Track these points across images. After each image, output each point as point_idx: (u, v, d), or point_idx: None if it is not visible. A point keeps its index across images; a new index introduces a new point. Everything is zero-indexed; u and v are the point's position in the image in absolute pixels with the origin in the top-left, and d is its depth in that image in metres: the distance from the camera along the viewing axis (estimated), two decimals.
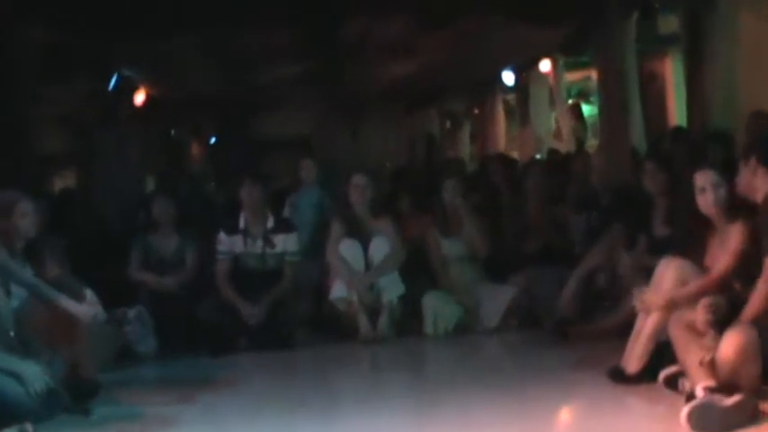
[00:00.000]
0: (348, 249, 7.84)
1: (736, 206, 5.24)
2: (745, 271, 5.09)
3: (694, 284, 5.24)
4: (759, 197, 4.94)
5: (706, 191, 5.32)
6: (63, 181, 14.71)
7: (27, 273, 5.91)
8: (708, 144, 8.02)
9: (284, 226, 8.01)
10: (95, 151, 13.15)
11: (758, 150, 5.01)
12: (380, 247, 7.86)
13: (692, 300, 5.10)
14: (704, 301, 4.78)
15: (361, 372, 7.26)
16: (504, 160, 10.84)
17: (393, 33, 12.44)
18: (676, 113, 13.77)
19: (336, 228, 8.02)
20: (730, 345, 4.49)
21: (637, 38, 12.06)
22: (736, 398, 4.43)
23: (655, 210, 6.98)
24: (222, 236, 7.87)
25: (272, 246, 7.85)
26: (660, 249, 6.21)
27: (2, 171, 8.88)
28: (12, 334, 5.52)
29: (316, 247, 8.46)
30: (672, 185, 6.88)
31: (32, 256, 6.18)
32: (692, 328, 4.82)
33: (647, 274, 5.75)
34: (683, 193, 5.81)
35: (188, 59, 13.14)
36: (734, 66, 9.13)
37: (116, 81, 13.39)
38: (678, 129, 11.03)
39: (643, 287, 5.52)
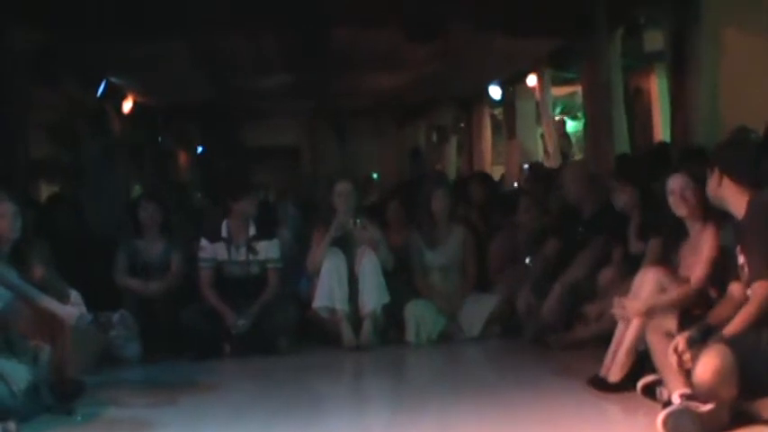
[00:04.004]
0: (331, 258, 7.86)
1: (708, 210, 5.35)
2: (719, 277, 5.18)
3: (674, 293, 5.37)
4: (730, 207, 4.97)
5: (675, 192, 5.52)
6: (51, 187, 14.69)
7: (12, 274, 5.93)
8: (685, 160, 8.07)
9: (266, 233, 8.04)
10: (83, 157, 13.17)
11: (720, 160, 5.06)
12: (366, 257, 7.87)
13: (672, 308, 5.20)
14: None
15: (343, 379, 7.29)
16: (484, 179, 10.78)
17: (381, 46, 12.50)
18: (662, 129, 13.85)
19: (319, 236, 8.05)
20: (708, 367, 4.45)
21: (623, 54, 12.11)
22: (711, 405, 4.48)
23: (630, 225, 7.05)
24: (205, 243, 7.91)
25: (255, 253, 7.90)
26: (635, 263, 6.31)
27: None
28: None
29: (299, 255, 8.49)
30: (641, 201, 6.97)
31: (18, 259, 6.20)
32: (670, 336, 4.88)
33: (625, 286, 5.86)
34: (660, 207, 5.87)
35: (176, 68, 13.17)
36: (718, 81, 9.20)
37: (104, 88, 13.42)
38: (661, 145, 11.10)
39: (622, 296, 5.61)
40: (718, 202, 5.03)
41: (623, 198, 7.02)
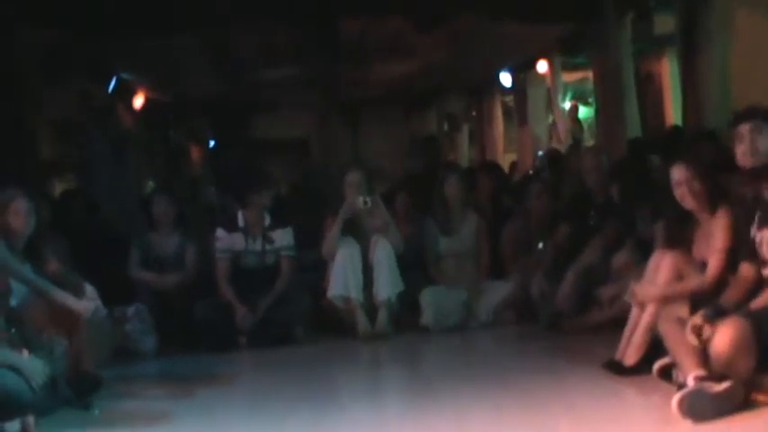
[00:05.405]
0: (345, 247, 7.85)
1: (717, 198, 5.32)
2: (733, 262, 5.17)
3: (690, 284, 5.34)
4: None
5: (681, 184, 5.45)
6: (64, 183, 14.73)
7: (27, 269, 5.96)
8: (696, 143, 8.07)
9: (280, 221, 8.09)
10: (95, 153, 13.20)
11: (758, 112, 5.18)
12: (380, 245, 7.87)
13: (688, 297, 5.20)
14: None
15: (359, 368, 7.30)
16: (491, 170, 10.75)
17: (390, 35, 12.50)
18: (673, 113, 13.81)
19: (332, 225, 8.05)
20: (725, 338, 4.48)
21: (633, 38, 12.09)
22: (725, 385, 4.48)
23: (640, 210, 7.05)
24: (221, 233, 7.94)
25: (271, 242, 7.93)
26: (647, 247, 6.30)
27: (3, 174, 8.93)
28: (13, 330, 5.58)
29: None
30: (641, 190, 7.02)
31: (33, 253, 6.23)
32: (681, 322, 4.86)
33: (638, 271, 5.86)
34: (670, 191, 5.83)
35: (187, 62, 13.20)
36: (729, 64, 9.15)
37: (115, 84, 13.45)
38: (675, 128, 11.08)
39: (637, 281, 5.60)
40: (756, 158, 5.13)
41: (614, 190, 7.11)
